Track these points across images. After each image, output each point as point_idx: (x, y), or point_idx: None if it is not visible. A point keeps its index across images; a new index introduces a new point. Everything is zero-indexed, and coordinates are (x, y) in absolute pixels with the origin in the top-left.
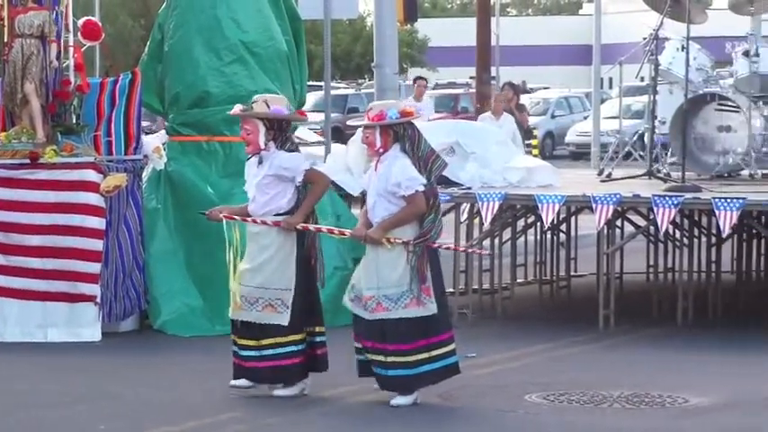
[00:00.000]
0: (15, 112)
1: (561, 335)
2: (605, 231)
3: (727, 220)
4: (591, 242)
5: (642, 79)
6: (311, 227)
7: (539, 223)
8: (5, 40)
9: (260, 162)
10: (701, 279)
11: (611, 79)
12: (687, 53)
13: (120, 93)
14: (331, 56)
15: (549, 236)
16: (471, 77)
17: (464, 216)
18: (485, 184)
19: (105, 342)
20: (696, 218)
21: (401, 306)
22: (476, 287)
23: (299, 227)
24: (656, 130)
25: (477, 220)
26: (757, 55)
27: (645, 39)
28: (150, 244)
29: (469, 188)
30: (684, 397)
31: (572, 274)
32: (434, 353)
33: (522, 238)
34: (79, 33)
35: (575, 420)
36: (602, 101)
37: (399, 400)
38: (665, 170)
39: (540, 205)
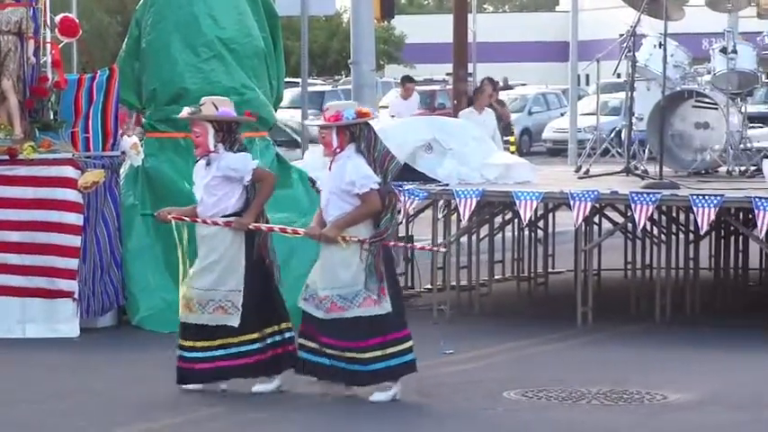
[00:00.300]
0: None
1: (539, 332)
2: (583, 228)
3: (704, 216)
4: (568, 239)
5: (619, 76)
6: (263, 226)
7: (516, 220)
8: None
9: (208, 164)
10: (679, 276)
11: (587, 76)
12: (664, 50)
13: (97, 89)
14: (308, 52)
15: (526, 233)
16: (448, 74)
17: (442, 213)
18: (462, 180)
19: (83, 338)
20: (674, 215)
21: (356, 305)
22: (453, 284)
23: (251, 227)
24: (634, 127)
25: (454, 217)
26: (735, 52)
27: (622, 35)
28: (128, 240)
29: (447, 185)
30: (663, 393)
31: (550, 270)
32: (389, 350)
33: (500, 235)
34: (56, 30)
35: (553, 417)
36: (580, 97)
37: (378, 396)
38: (642, 167)
39: (517, 202)
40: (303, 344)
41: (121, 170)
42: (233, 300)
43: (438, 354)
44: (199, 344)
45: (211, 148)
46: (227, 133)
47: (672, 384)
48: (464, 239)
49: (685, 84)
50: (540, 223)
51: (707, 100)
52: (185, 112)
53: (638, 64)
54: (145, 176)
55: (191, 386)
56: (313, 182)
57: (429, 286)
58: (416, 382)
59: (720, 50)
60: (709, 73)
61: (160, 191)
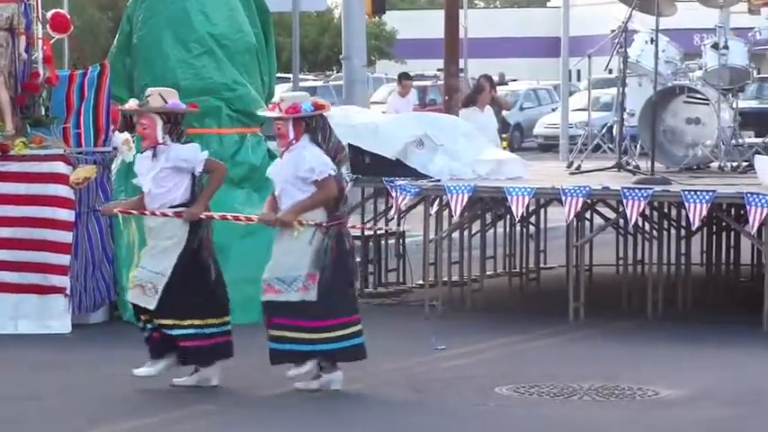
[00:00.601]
0: None
1: (531, 327)
2: (575, 224)
3: (696, 212)
4: (560, 234)
5: (611, 72)
6: (216, 215)
7: (508, 215)
8: None
9: (155, 155)
10: (671, 271)
11: (579, 71)
12: (656, 46)
13: (89, 85)
14: (299, 48)
15: (518, 228)
16: (439, 69)
17: (433, 208)
18: (454, 176)
19: (75, 334)
20: (666, 210)
21: (294, 290)
22: (445, 279)
23: (202, 215)
24: (625, 123)
25: (446, 213)
26: (726, 47)
27: (613, 31)
28: (119, 236)
29: (438, 180)
30: (654, 389)
31: (541, 266)
32: (316, 336)
33: (492, 231)
34: (48, 26)
35: (545, 413)
36: (571, 93)
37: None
38: (634, 163)
39: (509, 198)
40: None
41: (113, 166)
42: (154, 282)
43: (430, 349)
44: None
45: (160, 140)
46: (174, 125)
47: (663, 380)
48: (456, 235)
49: (677, 79)
50: (532, 219)
51: (698, 96)
52: (133, 104)
53: (629, 60)
54: None
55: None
56: None
57: (421, 282)
58: (408, 377)
59: (712, 46)
60: (700, 69)
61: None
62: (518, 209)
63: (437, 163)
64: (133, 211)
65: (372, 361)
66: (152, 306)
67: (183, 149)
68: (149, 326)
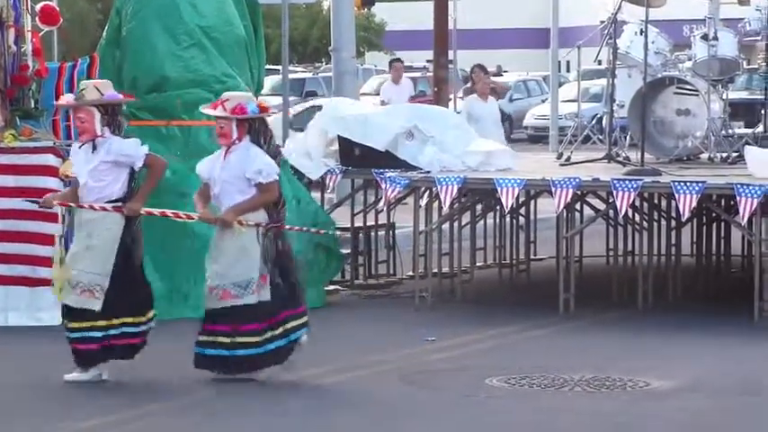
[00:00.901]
0: None
1: (521, 318)
2: (565, 215)
3: (686, 203)
4: (550, 226)
5: (600, 63)
6: (155, 211)
7: (498, 207)
8: None
9: (94, 148)
10: (661, 262)
11: (568, 62)
12: (645, 37)
13: (78, 77)
14: (288, 40)
15: (508, 220)
16: (428, 61)
17: (423, 200)
18: (443, 167)
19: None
20: (656, 201)
21: (249, 292)
22: (435, 271)
23: (142, 211)
24: (615, 114)
25: (436, 204)
26: (716, 38)
27: (603, 22)
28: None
29: (428, 172)
30: (645, 380)
31: (531, 257)
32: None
33: (482, 222)
34: (37, 18)
35: (536, 404)
36: (560, 84)
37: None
38: (624, 154)
39: (499, 189)
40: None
41: None
42: (102, 284)
43: (420, 341)
44: (73, 324)
45: (99, 133)
46: (112, 117)
47: (654, 371)
48: (446, 226)
49: (666, 70)
50: (522, 210)
51: (688, 87)
52: (69, 98)
53: (619, 51)
54: None
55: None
56: (295, 170)
57: (411, 273)
58: (398, 369)
59: (701, 37)
60: (690, 60)
61: (142, 178)
62: (508, 200)
63: (427, 154)
64: (72, 204)
65: (362, 352)
66: (98, 307)
67: (125, 144)
68: (76, 335)
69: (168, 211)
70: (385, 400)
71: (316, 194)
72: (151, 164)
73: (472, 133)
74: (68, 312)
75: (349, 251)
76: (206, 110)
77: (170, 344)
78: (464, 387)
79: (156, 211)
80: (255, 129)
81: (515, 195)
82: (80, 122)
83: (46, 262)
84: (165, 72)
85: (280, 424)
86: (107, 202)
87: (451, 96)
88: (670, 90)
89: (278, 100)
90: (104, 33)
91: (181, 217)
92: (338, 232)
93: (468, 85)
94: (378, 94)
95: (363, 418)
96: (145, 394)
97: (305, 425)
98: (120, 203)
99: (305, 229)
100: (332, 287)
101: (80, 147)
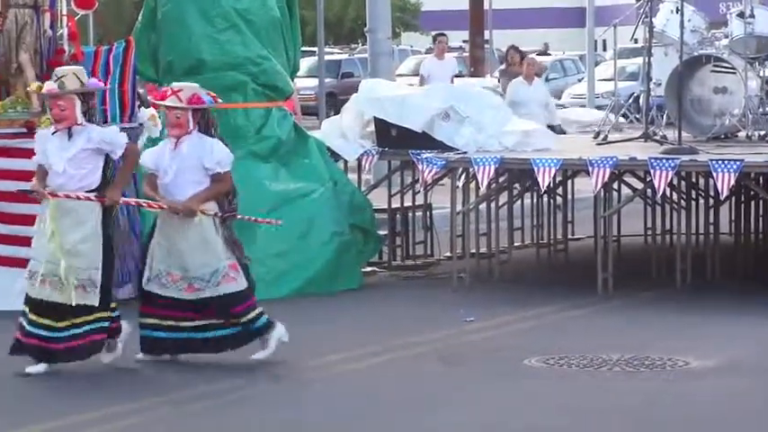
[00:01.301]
0: (10, 83)
1: (559, 299)
2: (602, 194)
3: (724, 182)
4: (588, 205)
5: (636, 41)
6: (132, 201)
7: (535, 187)
8: None
9: (69, 136)
10: (699, 241)
11: (605, 41)
12: (681, 15)
13: (114, 61)
14: (323, 21)
15: (545, 199)
16: (464, 41)
17: (460, 181)
18: (480, 148)
19: None
20: (693, 180)
21: (213, 284)
22: (473, 251)
23: (121, 201)
24: (652, 93)
25: (473, 185)
26: (752, 16)
27: (639, 1)
28: (147, 212)
29: (465, 153)
30: (685, 359)
31: (569, 237)
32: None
33: (519, 202)
34: (72, 2)
35: (575, 384)
36: (597, 63)
37: (260, 354)
38: (661, 132)
39: (536, 169)
40: (148, 323)
41: (139, 142)
42: (93, 278)
43: (458, 321)
44: (57, 323)
45: (79, 121)
46: (89, 104)
47: (693, 350)
48: (483, 207)
49: (703, 49)
50: (559, 190)
51: (725, 65)
52: (53, 86)
53: (655, 29)
54: None
55: (36, 369)
56: (331, 151)
57: (448, 254)
58: (436, 350)
59: (738, 15)
60: (726, 38)
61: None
62: (544, 180)
63: (463, 135)
64: (59, 194)
65: (400, 333)
66: (96, 302)
67: (108, 132)
68: (56, 333)
69: (142, 201)
70: (424, 380)
71: (352, 176)
72: (128, 152)
73: (509, 113)
74: (55, 309)
75: (386, 232)
76: (159, 100)
77: None
78: (502, 367)
79: (131, 200)
80: (205, 119)
81: (552, 175)
82: (60, 110)
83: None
84: (201, 55)
85: (322, 407)
86: (88, 192)
87: (488, 76)
88: (707, 68)
89: (314, 82)
90: (140, 17)
91: (153, 207)
92: (375, 214)
93: (503, 66)
94: (415, 75)
95: (403, 399)
96: (199, 374)
97: (345, 407)
98: (96, 193)
99: (253, 219)
100: (369, 269)
101: (53, 134)
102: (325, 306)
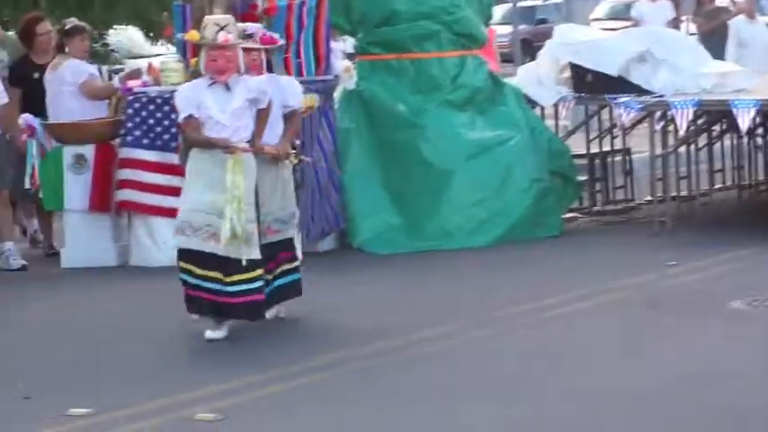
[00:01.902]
0: None
1: (763, 240)
2: None
3: None
4: None
5: None
6: (266, 148)
7: (735, 128)
8: None
9: (227, 88)
10: None
11: None
12: None
13: (307, 14)
14: None
15: (746, 140)
16: None
17: (659, 124)
18: (678, 91)
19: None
20: None
21: (291, 227)
22: (673, 194)
23: (242, 149)
24: None
25: (671, 128)
26: None
27: None
28: (345, 163)
29: (662, 96)
30: None
31: None
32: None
33: (719, 144)
34: None
35: None
36: None
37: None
38: None
39: (735, 111)
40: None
41: (335, 94)
42: (253, 230)
43: (660, 266)
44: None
45: (242, 71)
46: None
47: None
48: (682, 150)
49: None
50: (760, 131)
51: None
52: (230, 37)
53: None
54: (359, 99)
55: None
56: (527, 98)
57: (649, 198)
58: (640, 295)
59: None
60: None
61: (375, 113)
62: (744, 122)
63: (660, 78)
64: (248, 148)
65: (603, 279)
66: (259, 254)
67: (262, 81)
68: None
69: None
70: (630, 325)
71: (549, 122)
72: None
73: (706, 55)
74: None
75: (585, 178)
76: (247, 44)
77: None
78: (707, 310)
79: (266, 147)
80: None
81: (752, 117)
82: (226, 62)
83: None
84: (395, 5)
85: (527, 355)
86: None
87: (684, 18)
88: None
89: (508, 29)
90: None
91: (239, 149)
92: (574, 159)
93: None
94: (611, 19)
95: (610, 343)
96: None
97: (562, 352)
98: (269, 145)
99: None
100: (570, 215)
101: (209, 86)
102: (527, 253)
